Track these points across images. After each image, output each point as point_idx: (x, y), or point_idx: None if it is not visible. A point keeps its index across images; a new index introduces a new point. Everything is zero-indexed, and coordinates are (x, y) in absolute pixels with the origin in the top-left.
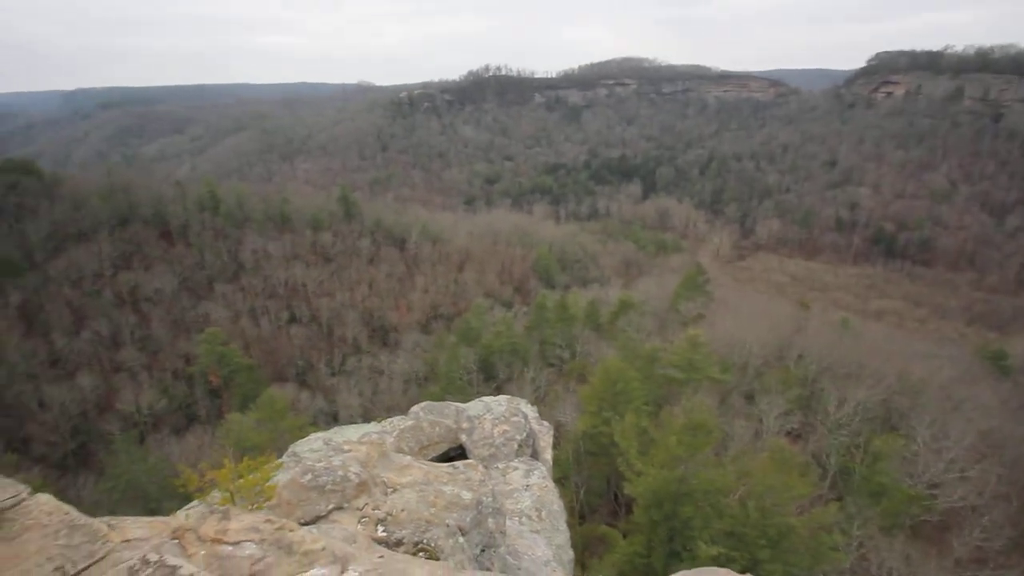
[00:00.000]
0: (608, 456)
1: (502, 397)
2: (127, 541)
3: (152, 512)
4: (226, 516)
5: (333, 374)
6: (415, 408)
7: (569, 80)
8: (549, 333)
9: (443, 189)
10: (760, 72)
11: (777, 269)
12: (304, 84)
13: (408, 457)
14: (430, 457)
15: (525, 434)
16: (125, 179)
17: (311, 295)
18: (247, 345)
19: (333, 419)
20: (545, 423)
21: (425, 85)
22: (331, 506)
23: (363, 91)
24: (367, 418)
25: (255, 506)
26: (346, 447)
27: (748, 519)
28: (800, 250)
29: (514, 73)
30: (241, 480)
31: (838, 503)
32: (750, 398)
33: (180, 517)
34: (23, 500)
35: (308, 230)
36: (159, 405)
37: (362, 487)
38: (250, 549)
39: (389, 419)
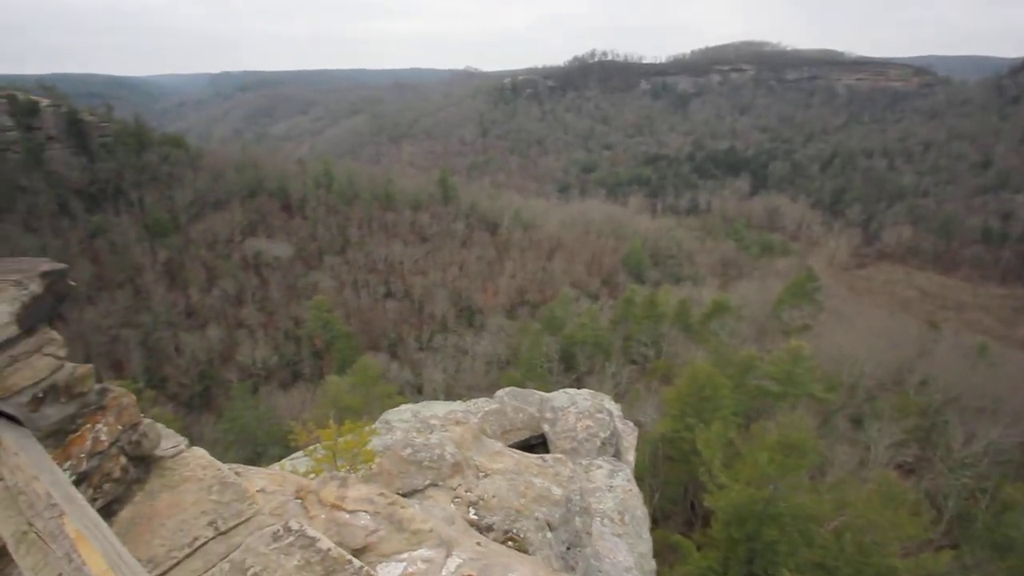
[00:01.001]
0: (688, 463)
1: (585, 391)
2: (259, 491)
3: (258, 455)
4: (344, 484)
5: (421, 349)
6: (500, 392)
7: (679, 66)
8: (635, 329)
9: (538, 176)
10: (902, 59)
11: (903, 282)
12: (415, 70)
13: (499, 444)
14: (512, 443)
15: (609, 432)
16: (255, 155)
17: (406, 272)
18: (348, 314)
19: (418, 391)
20: (629, 423)
21: (529, 71)
22: (427, 482)
23: (469, 77)
24: (449, 394)
25: (352, 468)
26: (434, 421)
27: (843, 553)
28: (934, 263)
29: (620, 58)
30: (342, 440)
31: (952, 551)
32: (857, 423)
33: (300, 478)
34: (182, 451)
35: (408, 210)
36: (271, 360)
37: (456, 468)
38: (365, 520)
39: (474, 400)
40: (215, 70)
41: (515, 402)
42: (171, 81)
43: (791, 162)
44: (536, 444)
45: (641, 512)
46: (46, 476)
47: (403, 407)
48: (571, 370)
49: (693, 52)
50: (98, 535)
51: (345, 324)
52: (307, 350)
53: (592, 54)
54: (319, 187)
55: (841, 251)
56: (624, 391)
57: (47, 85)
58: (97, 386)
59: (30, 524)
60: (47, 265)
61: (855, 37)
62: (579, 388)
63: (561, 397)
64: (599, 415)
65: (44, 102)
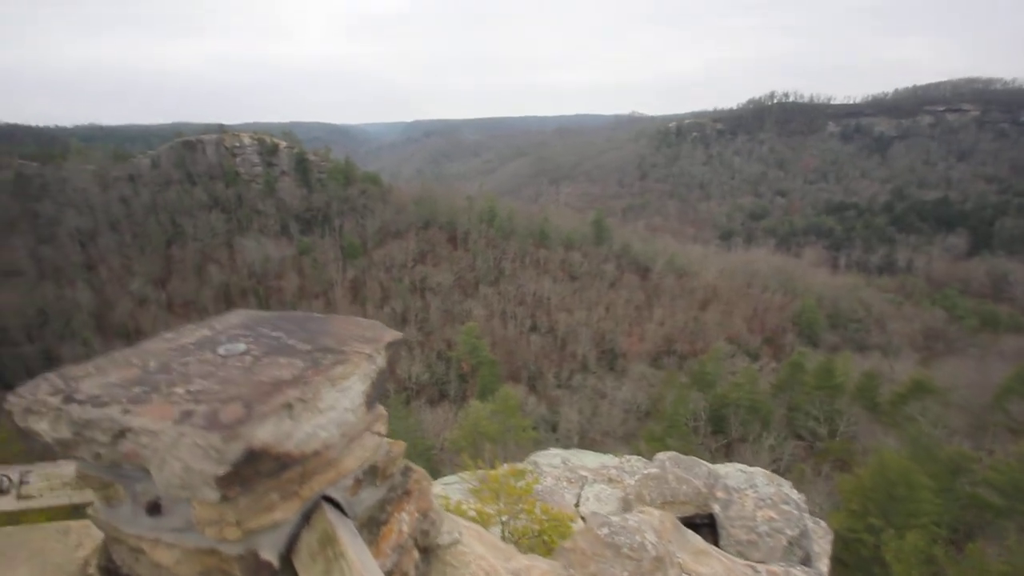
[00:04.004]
0: (868, 574)
1: (760, 471)
2: None
3: None
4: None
5: (559, 386)
6: (660, 456)
7: (877, 106)
8: (802, 399)
9: (698, 221)
10: None
11: None
12: (580, 116)
13: (700, 539)
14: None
15: (798, 531)
16: (432, 192)
17: (553, 308)
18: (494, 342)
19: (552, 429)
20: (821, 522)
21: (697, 115)
22: (625, 574)
23: (633, 121)
24: (583, 437)
25: (513, 514)
26: (584, 472)
27: None
28: None
29: (805, 99)
30: (505, 482)
31: None
32: None
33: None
34: (458, 541)
35: (561, 248)
36: (423, 377)
37: (658, 563)
38: None
39: (627, 456)
40: (409, 119)
41: (678, 470)
42: (375, 128)
43: None
44: (700, 525)
45: None
46: None
47: (552, 451)
48: (719, 433)
49: (897, 91)
50: None
51: (491, 351)
52: (455, 372)
53: (771, 96)
54: (482, 222)
55: None
56: (785, 469)
57: (286, 131)
58: (400, 464)
59: None
60: (390, 335)
61: None
62: (728, 455)
63: (736, 475)
64: (785, 506)
65: (282, 144)
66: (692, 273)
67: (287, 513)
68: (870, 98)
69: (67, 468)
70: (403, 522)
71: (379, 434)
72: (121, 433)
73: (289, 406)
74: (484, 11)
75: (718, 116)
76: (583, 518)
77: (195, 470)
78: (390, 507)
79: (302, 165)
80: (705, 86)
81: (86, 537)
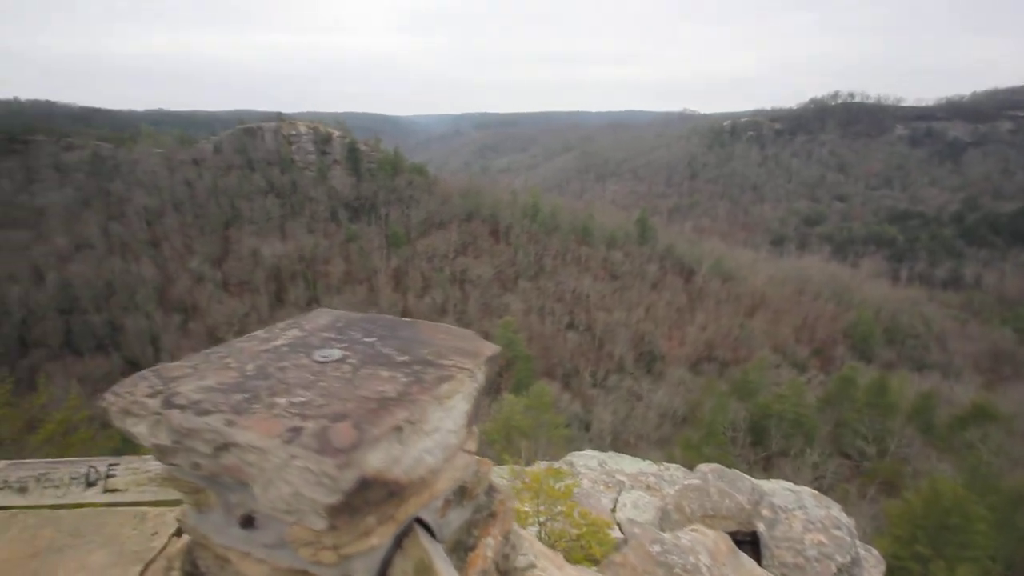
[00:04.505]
0: None
1: (808, 491)
2: None
3: None
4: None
5: (594, 385)
6: (702, 467)
7: (951, 109)
8: (851, 416)
9: (748, 224)
10: None
11: None
12: (630, 111)
13: (756, 565)
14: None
15: (849, 559)
16: (477, 185)
17: (592, 306)
18: (530, 338)
19: (585, 428)
20: (872, 550)
21: (754, 113)
22: None
23: (685, 119)
24: (616, 438)
25: (551, 515)
26: (621, 477)
27: None
28: None
29: (871, 100)
30: (547, 483)
31: None
32: None
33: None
34: (534, 566)
35: (603, 246)
36: None
37: None
38: None
39: (665, 464)
40: (457, 111)
41: (721, 483)
42: (424, 120)
43: None
44: (741, 542)
45: None
46: None
47: (589, 452)
48: (759, 445)
49: (975, 94)
50: None
51: (527, 347)
52: None
53: (834, 95)
54: (525, 216)
55: None
56: (828, 487)
57: (339, 120)
58: (486, 483)
59: None
60: (489, 349)
61: None
62: (767, 469)
63: (783, 493)
64: (836, 531)
65: (336, 134)
66: (739, 278)
67: (383, 537)
68: (944, 100)
69: (154, 464)
70: (489, 547)
71: (470, 452)
72: (224, 446)
73: (399, 429)
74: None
75: (776, 115)
76: (619, 525)
77: (305, 497)
78: (476, 530)
79: (353, 154)
80: (761, 84)
81: (161, 525)
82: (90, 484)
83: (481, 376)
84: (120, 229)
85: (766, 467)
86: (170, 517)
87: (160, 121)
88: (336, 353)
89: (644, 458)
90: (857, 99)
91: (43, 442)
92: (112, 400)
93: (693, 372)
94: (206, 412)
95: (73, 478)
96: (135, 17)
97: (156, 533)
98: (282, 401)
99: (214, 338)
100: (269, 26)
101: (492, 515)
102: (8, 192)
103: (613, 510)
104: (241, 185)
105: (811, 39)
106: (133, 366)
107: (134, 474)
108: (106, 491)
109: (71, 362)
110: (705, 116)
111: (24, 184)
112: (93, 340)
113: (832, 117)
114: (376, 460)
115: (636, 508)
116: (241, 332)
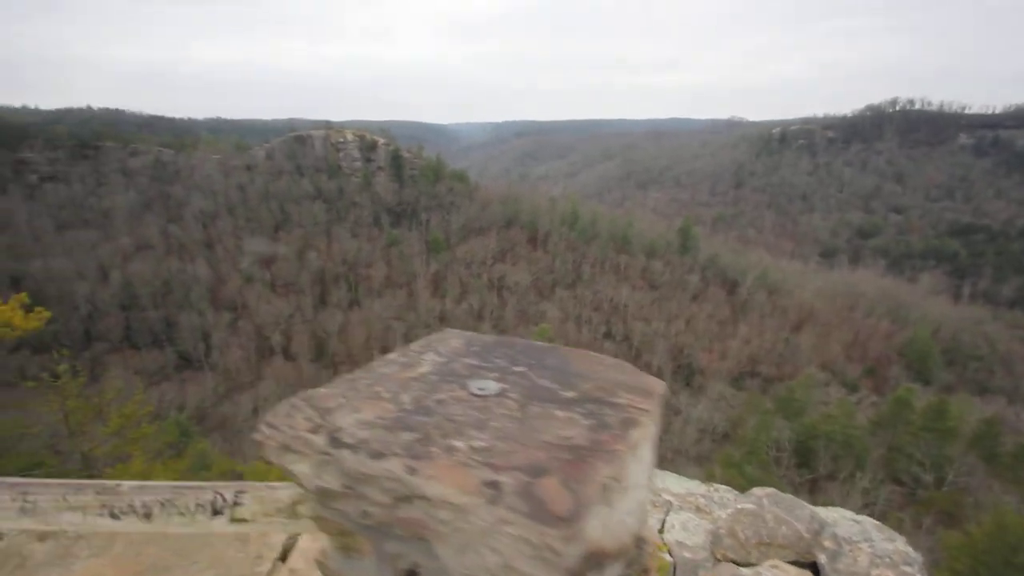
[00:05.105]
0: None
1: (871, 522)
2: None
3: None
4: None
5: None
6: (757, 491)
7: (1021, 117)
8: (906, 440)
9: (797, 235)
10: None
11: None
12: (675, 119)
13: None
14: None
15: None
16: (517, 192)
17: (630, 316)
18: (566, 346)
19: None
20: None
21: (806, 120)
22: None
23: (732, 127)
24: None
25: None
26: (667, 496)
27: None
28: None
29: (933, 107)
30: None
31: None
32: None
33: None
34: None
35: (643, 255)
36: None
37: None
38: None
39: (715, 485)
40: (499, 119)
41: (777, 509)
42: (466, 128)
43: None
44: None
45: None
46: None
47: None
48: (805, 467)
49: None
50: None
51: None
52: None
53: (893, 102)
54: (563, 224)
55: None
56: (879, 515)
57: (383, 129)
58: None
59: None
60: (658, 385)
61: None
62: (812, 492)
63: (845, 523)
64: (907, 568)
65: (381, 141)
66: (786, 291)
67: None
68: (1012, 108)
69: (284, 492)
70: None
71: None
72: (407, 497)
73: (605, 487)
74: (579, 11)
75: (829, 123)
76: (668, 549)
77: (518, 571)
78: None
79: (396, 161)
80: (813, 92)
81: (264, 548)
82: (216, 512)
83: (658, 419)
84: (178, 231)
85: (812, 490)
86: (273, 540)
87: (217, 128)
88: (493, 386)
89: (684, 475)
90: (918, 106)
91: (111, 435)
92: (269, 433)
93: (734, 387)
94: (380, 456)
95: (199, 505)
96: (207, 31)
97: (260, 557)
98: (460, 445)
99: (261, 336)
100: (323, 36)
101: (644, 572)
102: (80, 195)
103: (660, 531)
104: (290, 190)
105: (866, 44)
106: (185, 360)
107: (261, 504)
108: (233, 520)
109: (129, 355)
110: (754, 124)
111: (94, 187)
112: (150, 335)
113: (890, 124)
114: (593, 528)
115: (685, 530)
116: (287, 331)
